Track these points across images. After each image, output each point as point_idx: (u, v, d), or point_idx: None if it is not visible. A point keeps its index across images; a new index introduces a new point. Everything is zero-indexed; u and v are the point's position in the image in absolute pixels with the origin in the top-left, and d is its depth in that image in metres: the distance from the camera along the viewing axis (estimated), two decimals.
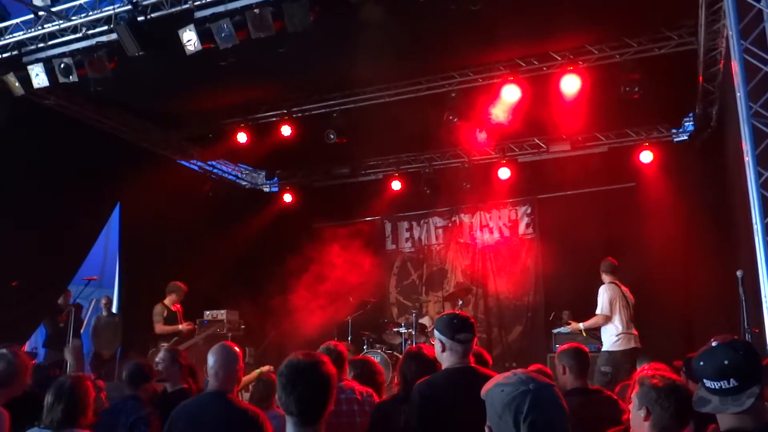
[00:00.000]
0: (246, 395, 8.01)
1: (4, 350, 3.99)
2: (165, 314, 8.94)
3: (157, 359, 5.11)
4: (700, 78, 8.46)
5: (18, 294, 8.68)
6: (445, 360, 3.43)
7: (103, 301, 10.90)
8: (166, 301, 9.04)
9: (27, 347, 9.39)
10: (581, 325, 8.05)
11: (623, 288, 7.78)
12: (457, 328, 3.39)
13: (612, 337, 7.55)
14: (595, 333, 8.12)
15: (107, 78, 7.71)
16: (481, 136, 10.71)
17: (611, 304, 7.61)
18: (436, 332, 3.47)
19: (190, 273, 10.10)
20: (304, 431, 2.50)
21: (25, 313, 9.06)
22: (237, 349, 3.90)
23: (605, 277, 7.89)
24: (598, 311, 7.69)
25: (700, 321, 9.62)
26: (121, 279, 11.02)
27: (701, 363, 2.45)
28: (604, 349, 7.63)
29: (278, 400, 2.58)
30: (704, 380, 2.43)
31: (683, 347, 8.16)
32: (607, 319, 7.61)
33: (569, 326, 8.55)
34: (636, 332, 7.59)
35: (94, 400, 3.84)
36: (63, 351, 8.52)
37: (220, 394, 3.65)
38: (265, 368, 7.02)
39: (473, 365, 3.44)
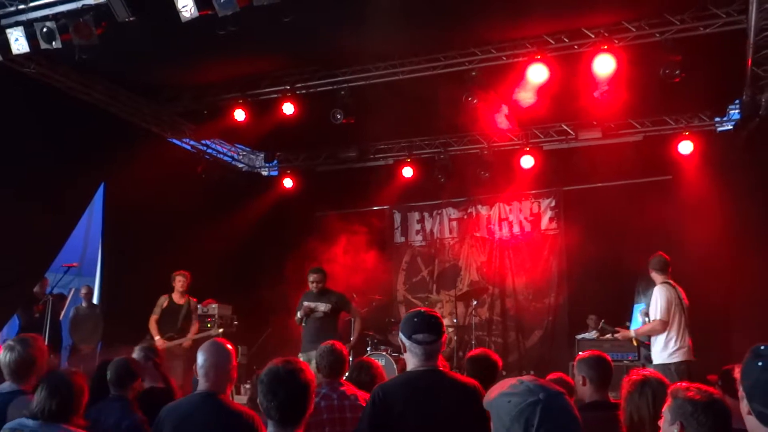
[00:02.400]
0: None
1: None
2: (165, 305, 9.14)
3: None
4: (749, 61, 8.40)
5: None
6: (408, 362, 3.49)
7: (83, 291, 10.97)
8: (175, 294, 9.26)
9: None
10: (632, 333, 7.76)
11: (679, 289, 7.34)
12: (416, 327, 3.42)
13: (668, 347, 7.15)
14: (646, 342, 7.93)
15: (94, 45, 7.68)
16: (503, 111, 10.60)
17: (668, 307, 7.15)
18: (400, 331, 3.53)
19: (179, 262, 10.12)
20: None
21: None
22: (229, 346, 3.93)
23: (657, 276, 7.44)
24: (654, 316, 7.21)
25: (741, 331, 9.60)
26: (103, 267, 11.07)
27: None
28: (657, 362, 7.19)
29: (260, 405, 2.91)
30: None
31: (721, 358, 8.13)
32: (665, 325, 7.12)
33: (618, 333, 8.11)
34: (691, 342, 7.21)
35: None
36: None
37: (211, 395, 3.68)
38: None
39: (440, 369, 3.48)
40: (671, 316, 7.16)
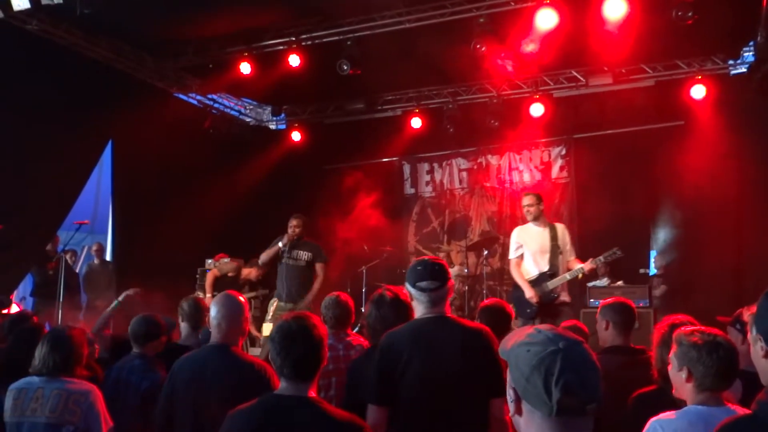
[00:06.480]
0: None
1: None
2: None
3: None
4: (765, 0, 8.22)
5: (3, 239, 8.80)
6: (416, 310, 3.51)
7: (94, 248, 11.08)
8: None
9: (15, 296, 9.57)
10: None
11: None
12: (419, 275, 3.42)
13: None
14: None
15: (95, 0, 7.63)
16: (505, 56, 10.47)
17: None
18: (406, 281, 3.54)
19: (190, 217, 10.17)
20: (298, 387, 2.83)
21: (12, 261, 9.17)
22: (242, 298, 3.96)
23: None
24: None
25: (753, 275, 9.59)
26: (114, 223, 11.14)
27: None
28: None
29: (272, 362, 2.87)
30: None
31: (732, 302, 8.16)
32: None
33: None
34: None
35: (89, 355, 4.01)
36: (52, 300, 8.71)
37: (223, 347, 3.72)
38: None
39: (447, 315, 3.47)
40: None
